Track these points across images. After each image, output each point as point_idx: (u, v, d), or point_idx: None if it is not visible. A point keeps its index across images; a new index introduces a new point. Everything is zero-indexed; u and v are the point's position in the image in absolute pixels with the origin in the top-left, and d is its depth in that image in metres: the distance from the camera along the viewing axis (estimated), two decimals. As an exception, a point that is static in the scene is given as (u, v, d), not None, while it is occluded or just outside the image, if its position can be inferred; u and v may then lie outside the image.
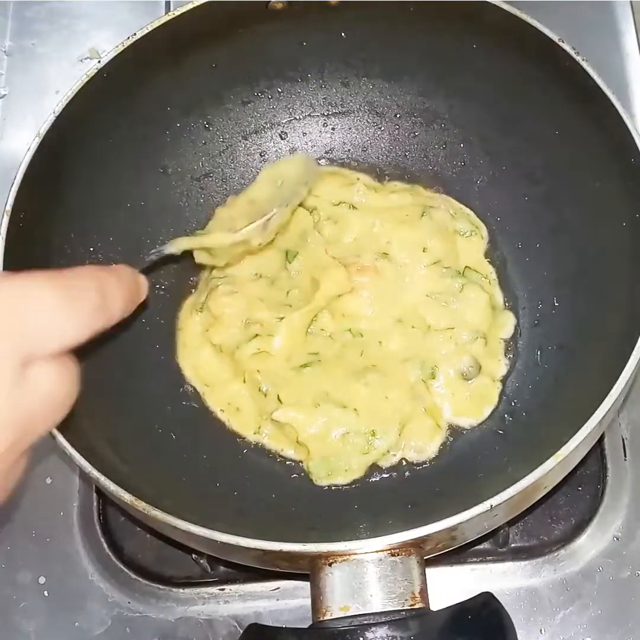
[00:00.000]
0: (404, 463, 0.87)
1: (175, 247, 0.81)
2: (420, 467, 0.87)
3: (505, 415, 0.88)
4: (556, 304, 0.90)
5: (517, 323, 0.92)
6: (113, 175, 0.91)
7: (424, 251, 0.93)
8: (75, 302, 0.50)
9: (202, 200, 0.98)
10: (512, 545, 0.89)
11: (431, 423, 0.87)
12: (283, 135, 1.00)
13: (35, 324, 0.48)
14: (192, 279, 0.96)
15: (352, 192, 0.97)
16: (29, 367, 0.49)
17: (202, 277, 0.96)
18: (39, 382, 0.49)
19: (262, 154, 1.01)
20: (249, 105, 0.98)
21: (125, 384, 0.87)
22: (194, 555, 0.87)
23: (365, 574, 0.66)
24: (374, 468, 0.87)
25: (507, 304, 0.93)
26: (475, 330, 0.90)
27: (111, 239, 0.91)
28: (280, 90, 0.99)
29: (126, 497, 0.68)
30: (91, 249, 0.89)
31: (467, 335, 0.90)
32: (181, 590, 0.89)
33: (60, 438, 0.70)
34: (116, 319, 0.55)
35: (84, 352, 0.53)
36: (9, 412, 0.47)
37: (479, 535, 0.76)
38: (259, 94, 0.98)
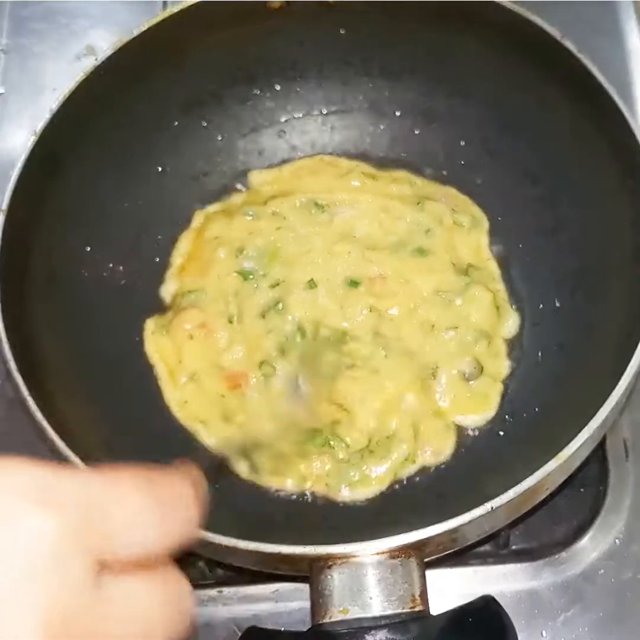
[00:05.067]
0: (422, 470, 0.86)
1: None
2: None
3: (506, 416, 0.88)
4: (557, 304, 0.90)
5: (520, 323, 0.92)
6: (110, 174, 0.91)
7: (422, 251, 0.93)
8: (165, 508, 0.43)
9: (200, 199, 0.98)
10: (513, 547, 0.88)
11: (442, 424, 0.87)
12: (282, 134, 1.00)
13: (116, 523, 0.40)
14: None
15: (349, 181, 0.97)
16: (107, 573, 0.40)
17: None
18: (119, 594, 0.40)
19: (261, 153, 1.00)
20: (248, 103, 0.98)
21: (121, 390, 0.86)
22: (191, 558, 0.87)
23: (364, 577, 0.65)
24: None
25: (510, 303, 0.93)
26: (479, 329, 0.90)
27: (108, 238, 0.91)
28: (279, 88, 0.98)
29: (123, 499, 0.67)
30: (88, 249, 0.89)
31: (471, 335, 0.90)
32: (179, 593, 0.89)
33: (59, 443, 0.69)
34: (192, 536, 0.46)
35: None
36: (71, 625, 0.37)
37: (480, 538, 0.76)
38: (258, 93, 0.98)
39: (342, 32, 0.94)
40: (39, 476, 0.39)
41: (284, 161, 1.00)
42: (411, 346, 0.89)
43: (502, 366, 0.90)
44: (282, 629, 0.83)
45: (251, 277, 0.92)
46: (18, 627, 0.36)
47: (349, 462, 0.85)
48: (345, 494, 0.84)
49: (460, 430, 0.88)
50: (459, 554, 0.83)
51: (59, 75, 1.11)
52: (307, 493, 0.85)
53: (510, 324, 0.92)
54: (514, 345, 0.91)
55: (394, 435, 0.85)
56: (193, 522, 0.45)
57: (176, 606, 0.44)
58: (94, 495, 0.40)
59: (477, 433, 0.87)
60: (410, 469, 0.86)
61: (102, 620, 0.39)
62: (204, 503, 0.47)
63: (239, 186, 0.99)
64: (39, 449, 0.94)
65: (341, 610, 0.65)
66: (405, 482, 0.86)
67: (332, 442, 0.85)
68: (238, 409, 0.88)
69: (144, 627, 0.41)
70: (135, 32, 0.85)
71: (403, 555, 0.66)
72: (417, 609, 0.65)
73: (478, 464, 0.85)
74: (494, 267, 0.94)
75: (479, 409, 0.88)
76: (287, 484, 0.85)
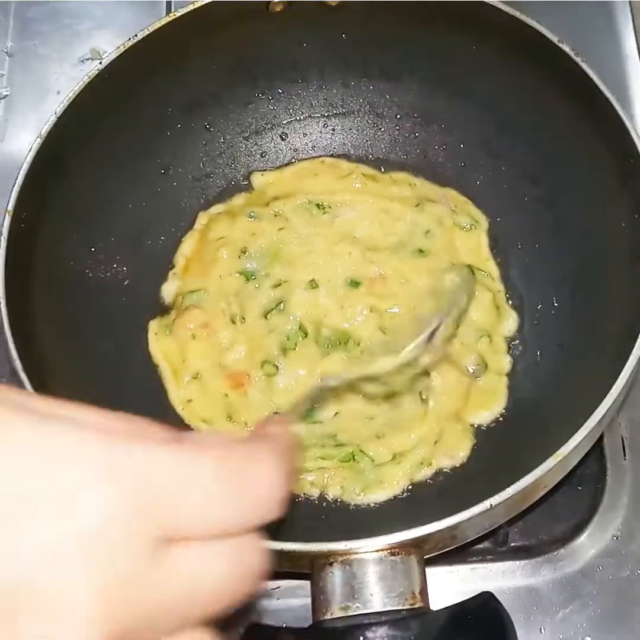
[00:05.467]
0: (435, 477, 0.86)
1: (336, 380, 0.73)
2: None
3: (505, 415, 0.88)
4: (556, 304, 0.90)
5: (520, 322, 0.92)
6: (114, 175, 0.91)
7: (422, 251, 0.94)
8: (243, 487, 0.41)
9: (202, 201, 0.98)
10: (512, 544, 0.88)
11: (460, 427, 0.87)
12: (284, 136, 1.01)
13: (184, 501, 0.39)
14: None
15: (350, 182, 0.97)
16: (171, 546, 0.39)
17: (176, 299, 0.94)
18: (186, 565, 0.39)
19: (263, 155, 1.01)
20: (250, 106, 0.99)
21: (125, 390, 0.87)
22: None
23: (365, 574, 0.65)
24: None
25: (509, 303, 0.93)
26: (479, 328, 0.90)
27: (112, 239, 0.91)
28: (280, 91, 0.99)
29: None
30: (92, 249, 0.90)
31: (472, 334, 0.90)
32: (182, 590, 0.89)
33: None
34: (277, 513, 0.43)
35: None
36: (128, 593, 0.37)
37: (479, 535, 0.76)
38: (260, 95, 0.98)
39: (342, 34, 0.94)
40: (109, 448, 0.38)
41: (286, 163, 1.01)
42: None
43: (505, 361, 0.90)
44: (284, 625, 0.83)
45: (253, 277, 0.93)
46: (74, 598, 0.35)
47: (366, 469, 0.85)
48: (360, 498, 0.85)
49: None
50: (458, 551, 0.84)
51: (64, 77, 1.12)
52: (317, 495, 0.86)
53: (510, 323, 0.92)
54: (513, 345, 0.91)
55: (418, 444, 0.86)
56: (274, 502, 0.42)
57: (247, 572, 0.41)
58: (162, 471, 0.39)
59: (477, 431, 0.88)
60: (426, 472, 0.86)
61: (162, 593, 0.38)
62: (291, 476, 0.43)
63: (241, 188, 1.00)
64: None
65: (342, 606, 0.65)
66: (415, 484, 0.86)
67: (357, 457, 0.85)
68: (241, 408, 0.88)
69: (211, 596, 0.40)
70: (139, 36, 0.85)
71: (403, 553, 0.66)
72: (417, 605, 0.65)
73: (477, 461, 0.86)
74: (493, 268, 0.95)
75: (489, 404, 0.88)
76: (303, 487, 0.86)
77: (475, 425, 0.88)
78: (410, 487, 0.85)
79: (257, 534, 0.42)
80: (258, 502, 0.41)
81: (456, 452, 0.86)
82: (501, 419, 0.88)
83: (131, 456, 0.38)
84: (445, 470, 0.86)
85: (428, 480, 0.86)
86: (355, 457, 0.85)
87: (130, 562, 0.37)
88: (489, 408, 0.88)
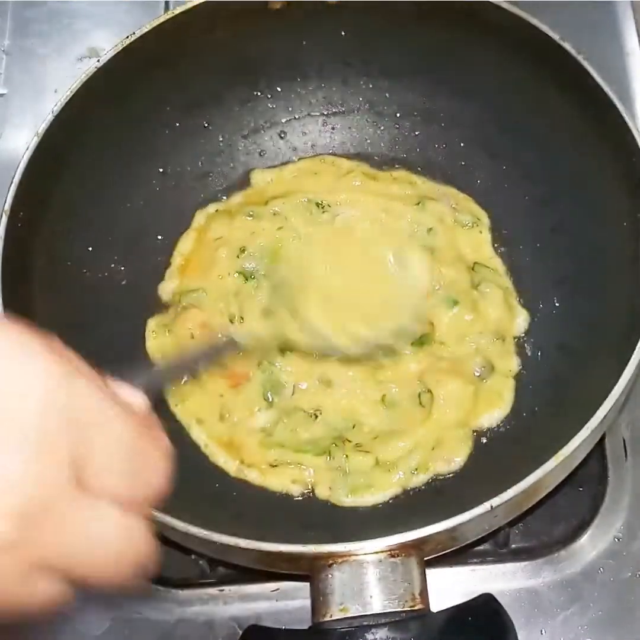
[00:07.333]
0: (432, 480, 0.85)
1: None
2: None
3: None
4: (557, 304, 0.90)
5: (530, 320, 0.91)
6: (112, 174, 0.91)
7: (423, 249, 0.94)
8: (140, 469, 0.45)
9: (201, 200, 0.98)
10: (513, 546, 0.88)
11: (461, 433, 0.86)
12: (282, 135, 1.00)
13: (100, 445, 0.42)
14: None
15: (350, 181, 0.97)
16: (82, 488, 0.42)
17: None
18: (90, 509, 0.42)
19: (262, 154, 1.01)
20: (249, 104, 0.99)
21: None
22: (193, 556, 0.87)
23: (365, 575, 0.65)
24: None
25: (520, 301, 0.92)
26: (493, 329, 0.90)
27: (110, 238, 0.91)
28: (279, 89, 0.99)
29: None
30: (90, 249, 0.90)
31: (488, 335, 0.89)
32: (180, 591, 0.89)
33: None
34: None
35: None
36: (48, 521, 0.40)
37: (480, 536, 0.76)
38: (259, 94, 0.99)
39: (342, 32, 0.94)
40: (58, 365, 0.42)
41: (285, 162, 1.00)
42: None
43: (513, 362, 0.89)
44: (283, 627, 0.83)
45: (252, 277, 0.93)
46: None
47: (353, 472, 0.85)
48: (348, 500, 0.84)
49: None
50: (458, 552, 0.83)
51: (61, 76, 1.11)
52: (310, 496, 0.85)
53: (520, 321, 0.91)
54: (515, 345, 0.91)
55: (414, 448, 0.86)
56: (158, 490, 0.46)
57: (133, 548, 0.44)
58: (92, 408, 0.42)
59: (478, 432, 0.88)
60: (422, 479, 0.85)
61: (70, 524, 0.41)
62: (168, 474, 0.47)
63: (240, 187, 0.99)
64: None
65: (341, 608, 0.65)
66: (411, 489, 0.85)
67: (332, 453, 0.85)
68: (235, 408, 0.88)
69: (99, 550, 0.43)
70: (137, 34, 0.85)
71: (403, 554, 0.66)
72: (417, 607, 0.65)
73: (477, 462, 0.85)
74: (499, 264, 0.94)
75: (495, 407, 0.87)
76: (290, 487, 0.85)
77: (477, 429, 0.87)
78: (408, 489, 0.85)
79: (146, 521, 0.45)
80: (149, 484, 0.45)
81: (454, 457, 0.85)
82: (502, 421, 0.88)
83: (73, 384, 0.42)
84: (444, 473, 0.85)
85: (425, 484, 0.85)
86: (331, 452, 0.85)
87: (53, 478, 0.40)
88: (495, 410, 0.87)
